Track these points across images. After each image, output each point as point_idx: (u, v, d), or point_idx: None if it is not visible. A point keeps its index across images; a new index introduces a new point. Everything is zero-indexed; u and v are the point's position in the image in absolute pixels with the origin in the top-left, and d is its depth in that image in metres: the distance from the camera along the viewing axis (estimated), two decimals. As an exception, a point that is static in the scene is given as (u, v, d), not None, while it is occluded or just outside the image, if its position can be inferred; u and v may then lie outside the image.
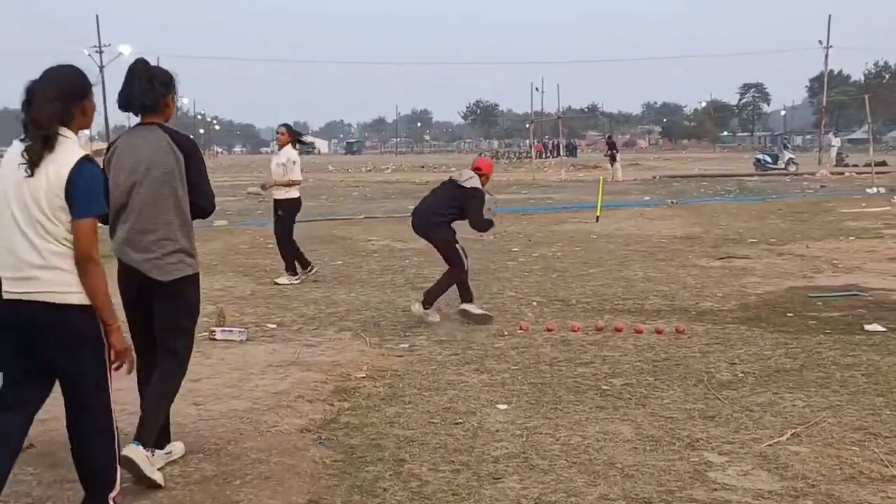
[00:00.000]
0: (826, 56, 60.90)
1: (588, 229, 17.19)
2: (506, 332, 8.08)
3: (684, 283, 10.69)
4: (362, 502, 4.31)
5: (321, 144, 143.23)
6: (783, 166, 42.91)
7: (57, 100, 3.62)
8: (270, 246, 14.54)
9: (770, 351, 7.20)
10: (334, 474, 4.67)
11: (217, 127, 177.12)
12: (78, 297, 3.60)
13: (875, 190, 26.26)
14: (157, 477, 4.46)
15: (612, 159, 39.63)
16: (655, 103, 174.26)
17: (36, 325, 3.60)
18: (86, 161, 3.61)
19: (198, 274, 4.72)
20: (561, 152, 70.86)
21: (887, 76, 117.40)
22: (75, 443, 3.78)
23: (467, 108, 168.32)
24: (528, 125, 56.08)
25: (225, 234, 17.46)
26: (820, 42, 61.28)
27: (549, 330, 8.12)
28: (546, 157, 73.31)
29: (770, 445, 4.96)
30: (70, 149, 3.62)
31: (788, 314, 8.69)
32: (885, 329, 7.89)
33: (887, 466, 4.62)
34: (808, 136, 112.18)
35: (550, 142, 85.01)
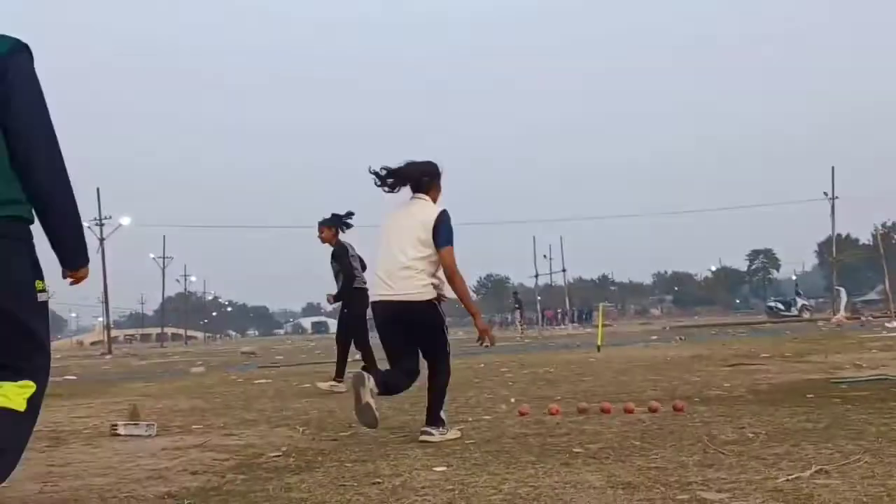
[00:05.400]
0: (832, 208, 60.11)
1: (587, 356, 15.85)
2: (470, 419, 6.74)
3: (688, 380, 9.33)
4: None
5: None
6: (797, 312, 41.56)
7: (423, 174, 5.62)
8: (240, 381, 13.32)
9: (787, 418, 5.84)
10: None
11: (230, 310, 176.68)
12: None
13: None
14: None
15: (521, 316, 40.35)
16: (665, 272, 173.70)
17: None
18: (445, 212, 5.50)
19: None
20: (574, 319, 70.27)
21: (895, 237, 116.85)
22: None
23: (478, 282, 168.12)
24: (537, 296, 55.49)
25: (198, 377, 16.17)
26: (825, 194, 60.52)
27: (521, 414, 6.77)
28: (557, 326, 72.13)
29: (788, 480, 3.60)
30: (432, 204, 5.63)
31: (808, 395, 7.33)
32: (925, 398, 6.52)
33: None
34: (822, 300, 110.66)
35: (559, 311, 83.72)
